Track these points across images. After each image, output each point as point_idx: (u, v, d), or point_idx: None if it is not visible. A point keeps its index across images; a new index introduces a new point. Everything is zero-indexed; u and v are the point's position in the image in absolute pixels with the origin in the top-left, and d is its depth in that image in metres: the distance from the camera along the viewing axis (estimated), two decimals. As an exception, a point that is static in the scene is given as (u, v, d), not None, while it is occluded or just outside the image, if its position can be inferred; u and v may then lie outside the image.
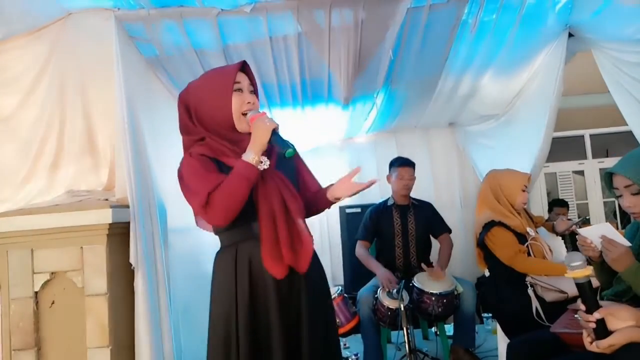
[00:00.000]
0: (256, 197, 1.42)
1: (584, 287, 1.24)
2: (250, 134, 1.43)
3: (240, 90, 1.48)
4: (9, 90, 1.99)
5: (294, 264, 1.40)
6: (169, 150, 2.39)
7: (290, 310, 1.44)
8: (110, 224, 1.79)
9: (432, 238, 3.17)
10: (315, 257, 1.52)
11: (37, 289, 1.80)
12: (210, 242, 2.83)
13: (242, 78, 1.50)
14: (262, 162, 1.43)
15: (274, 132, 1.39)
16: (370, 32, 2.34)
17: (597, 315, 1.22)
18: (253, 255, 1.43)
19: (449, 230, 3.12)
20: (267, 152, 1.48)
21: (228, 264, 1.46)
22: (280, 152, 1.46)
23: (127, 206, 1.86)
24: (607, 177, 1.61)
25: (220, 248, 1.55)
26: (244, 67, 1.53)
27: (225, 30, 2.21)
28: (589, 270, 1.24)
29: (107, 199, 1.93)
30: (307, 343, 1.41)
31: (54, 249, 1.81)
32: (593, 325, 1.22)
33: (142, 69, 2.27)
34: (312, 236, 1.46)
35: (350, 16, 2.24)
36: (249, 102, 1.48)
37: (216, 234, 1.56)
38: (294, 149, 1.41)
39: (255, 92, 1.53)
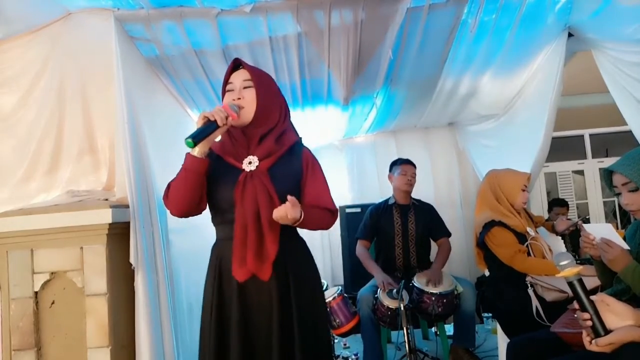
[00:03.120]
0: (235, 198, 1.43)
1: (574, 285, 1.25)
2: (244, 127, 1.49)
3: (232, 90, 1.51)
4: (8, 89, 1.98)
5: (256, 272, 1.41)
6: (169, 149, 2.39)
7: (256, 313, 1.45)
8: (110, 224, 1.79)
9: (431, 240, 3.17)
10: (305, 260, 1.54)
11: (37, 289, 1.80)
12: (213, 241, 2.84)
13: (235, 77, 1.52)
14: (250, 163, 1.46)
15: (208, 123, 1.39)
16: (370, 32, 2.34)
17: (593, 297, 1.23)
18: (228, 254, 1.46)
19: (449, 235, 3.12)
20: (263, 153, 1.48)
21: (213, 258, 1.53)
22: None
23: (127, 206, 1.86)
24: (607, 176, 1.64)
25: (215, 241, 1.59)
26: (241, 65, 1.53)
27: (225, 30, 2.21)
28: (578, 269, 1.25)
29: (107, 199, 1.93)
30: (276, 347, 1.41)
31: (54, 249, 1.81)
32: (589, 323, 1.23)
33: (141, 69, 2.27)
34: (277, 247, 1.41)
35: (350, 16, 2.24)
36: (233, 99, 1.49)
37: (213, 226, 1.60)
38: (192, 144, 1.35)
39: (254, 85, 1.49)
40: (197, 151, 1.39)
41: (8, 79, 1.98)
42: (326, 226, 1.58)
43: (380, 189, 4.03)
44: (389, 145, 4.27)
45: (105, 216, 1.78)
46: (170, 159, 2.32)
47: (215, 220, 1.55)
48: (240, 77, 1.51)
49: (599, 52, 2.65)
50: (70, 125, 2.02)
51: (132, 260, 1.83)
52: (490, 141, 3.77)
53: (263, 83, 1.52)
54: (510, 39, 2.56)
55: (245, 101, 1.48)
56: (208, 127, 1.38)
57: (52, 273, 1.81)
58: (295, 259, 1.52)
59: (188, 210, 1.47)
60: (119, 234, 1.86)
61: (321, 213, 1.52)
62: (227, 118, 1.41)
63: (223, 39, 2.27)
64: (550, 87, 2.80)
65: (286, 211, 1.33)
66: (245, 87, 1.50)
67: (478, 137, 3.94)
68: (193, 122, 3.06)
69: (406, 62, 2.69)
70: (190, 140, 1.34)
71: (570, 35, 2.67)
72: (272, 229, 1.41)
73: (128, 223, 1.85)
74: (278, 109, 1.55)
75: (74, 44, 1.99)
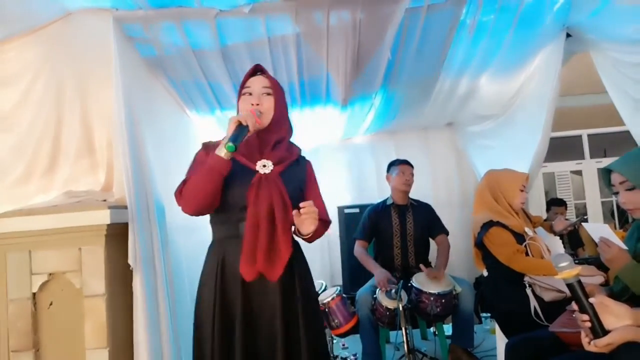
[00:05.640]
0: (248, 198, 1.46)
1: (573, 287, 1.25)
2: (259, 131, 1.52)
3: (249, 93, 1.56)
4: (7, 89, 1.98)
5: (265, 272, 1.43)
6: (167, 150, 2.39)
7: (259, 312, 1.47)
8: (108, 225, 1.79)
9: (430, 239, 3.17)
10: (306, 265, 1.59)
11: (35, 290, 1.80)
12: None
13: (253, 82, 1.57)
14: (265, 166, 1.50)
15: (240, 127, 1.42)
16: (369, 33, 2.34)
17: (592, 300, 1.23)
18: (232, 253, 1.48)
19: (446, 232, 3.12)
20: (277, 158, 1.53)
21: (213, 257, 1.53)
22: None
23: (126, 207, 1.86)
24: (605, 175, 1.66)
25: (212, 241, 1.60)
26: (262, 71, 1.61)
27: (224, 31, 2.21)
28: (577, 270, 1.25)
29: (105, 200, 1.92)
30: (282, 347, 1.43)
31: (52, 249, 1.81)
32: (588, 324, 1.23)
33: (140, 69, 2.27)
34: (291, 249, 1.46)
35: (349, 17, 2.24)
36: (252, 104, 1.53)
37: (211, 225, 1.60)
38: (234, 148, 1.38)
39: (273, 93, 1.56)
40: (224, 153, 1.39)
41: (6, 79, 1.97)
42: (320, 237, 1.61)
43: (378, 190, 4.03)
44: (388, 145, 4.27)
45: (103, 217, 1.78)
46: (168, 160, 2.32)
47: (218, 218, 1.56)
48: (260, 84, 1.56)
49: (597, 52, 2.65)
50: (69, 126, 2.01)
51: (130, 261, 1.82)
52: (489, 141, 3.77)
53: (280, 94, 1.60)
54: (509, 39, 2.57)
55: (263, 107, 1.54)
56: (243, 131, 1.42)
57: (50, 274, 1.81)
58: (300, 262, 1.57)
59: (203, 208, 1.48)
60: (117, 235, 1.86)
61: (320, 225, 1.54)
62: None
63: (222, 40, 2.27)
64: (548, 88, 2.81)
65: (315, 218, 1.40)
66: (264, 94, 1.55)
67: (477, 138, 3.94)
68: (191, 122, 3.05)
69: (405, 62, 2.69)
70: (232, 144, 1.37)
71: (568, 35, 2.67)
72: (285, 232, 1.45)
73: (126, 224, 1.85)
74: (287, 122, 1.64)
75: (72, 44, 1.99)
